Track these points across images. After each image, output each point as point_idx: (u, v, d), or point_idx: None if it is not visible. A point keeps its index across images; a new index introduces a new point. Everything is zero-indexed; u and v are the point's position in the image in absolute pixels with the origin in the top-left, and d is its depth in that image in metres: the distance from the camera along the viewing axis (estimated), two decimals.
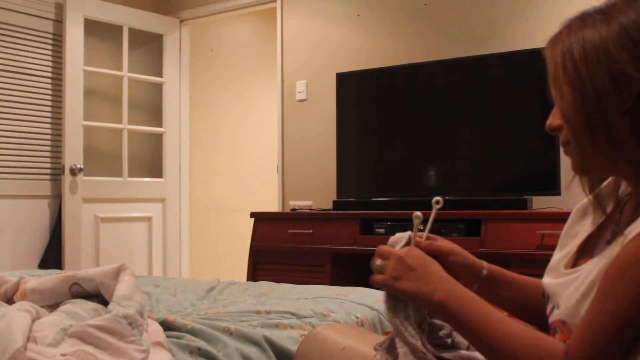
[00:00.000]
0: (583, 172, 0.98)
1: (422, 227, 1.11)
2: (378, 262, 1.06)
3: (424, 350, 1.01)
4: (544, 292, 1.05)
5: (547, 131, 0.99)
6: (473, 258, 1.17)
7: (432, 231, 1.13)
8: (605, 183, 1.04)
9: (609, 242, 0.93)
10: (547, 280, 1.04)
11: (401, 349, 1.03)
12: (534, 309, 1.12)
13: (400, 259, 1.04)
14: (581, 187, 1.02)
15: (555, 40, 0.96)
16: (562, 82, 0.92)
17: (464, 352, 1.09)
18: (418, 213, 1.10)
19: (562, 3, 3.28)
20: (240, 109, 5.73)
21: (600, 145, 0.90)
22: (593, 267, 0.91)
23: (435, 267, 1.03)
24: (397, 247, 1.09)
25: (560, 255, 1.06)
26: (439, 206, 1.11)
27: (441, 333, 1.11)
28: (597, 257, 0.92)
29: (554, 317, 0.97)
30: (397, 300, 1.06)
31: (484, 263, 1.18)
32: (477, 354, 1.05)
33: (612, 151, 0.89)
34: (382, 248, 1.08)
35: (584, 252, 1.02)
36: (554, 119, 0.97)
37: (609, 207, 1.02)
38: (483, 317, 0.95)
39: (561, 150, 1.00)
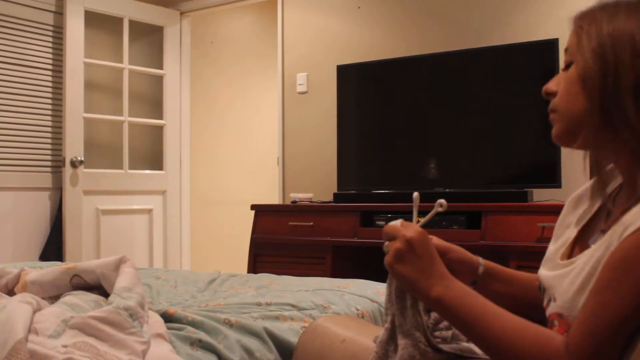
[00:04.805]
0: (567, 139, 1.00)
1: (420, 219, 1.09)
2: (386, 243, 1.02)
3: (426, 344, 1.01)
4: (541, 284, 1.05)
5: (543, 95, 1.03)
6: (469, 254, 1.18)
7: (432, 224, 1.12)
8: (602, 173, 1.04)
9: (603, 231, 0.94)
10: (544, 272, 1.04)
11: (401, 340, 1.02)
12: (530, 304, 1.13)
13: (407, 242, 0.98)
14: (588, 173, 1.02)
15: (583, 16, 1.00)
16: (585, 50, 0.96)
17: (464, 344, 1.09)
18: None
19: None
20: (241, 101, 5.72)
21: (608, 115, 0.92)
22: (588, 259, 0.92)
23: (438, 261, 1.00)
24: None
25: (555, 246, 1.06)
26: (442, 209, 1.06)
27: (441, 325, 1.11)
28: (592, 248, 0.93)
29: (550, 309, 0.97)
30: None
31: (480, 259, 1.18)
32: (475, 346, 1.05)
33: (617, 122, 0.91)
34: (389, 227, 1.01)
35: (579, 241, 1.02)
36: (552, 85, 1.02)
37: (606, 195, 1.03)
38: (480, 311, 0.95)
39: None
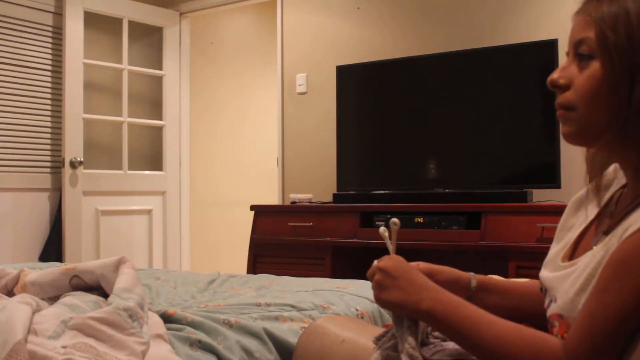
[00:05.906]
0: (579, 141, 0.95)
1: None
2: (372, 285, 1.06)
3: None
4: (542, 285, 1.05)
5: (548, 86, 0.95)
6: (458, 272, 1.17)
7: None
8: (603, 174, 1.04)
9: (606, 233, 0.93)
10: (545, 273, 1.04)
11: (405, 358, 1.03)
12: (528, 314, 1.12)
13: (381, 270, 1.02)
14: (587, 174, 1.01)
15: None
16: (610, 45, 0.87)
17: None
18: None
19: None
20: (241, 102, 5.72)
21: (632, 110, 0.87)
22: (590, 261, 0.91)
23: (416, 274, 1.02)
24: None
25: (557, 249, 1.06)
26: (396, 227, 1.10)
27: (436, 333, 1.12)
28: (594, 249, 0.92)
29: (551, 310, 0.97)
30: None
31: (472, 274, 1.17)
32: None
33: (630, 141, 0.88)
34: (369, 270, 1.06)
35: (581, 243, 1.01)
36: (561, 77, 0.93)
37: (605, 198, 1.02)
38: (473, 320, 0.95)
39: (561, 143, 1.00)
